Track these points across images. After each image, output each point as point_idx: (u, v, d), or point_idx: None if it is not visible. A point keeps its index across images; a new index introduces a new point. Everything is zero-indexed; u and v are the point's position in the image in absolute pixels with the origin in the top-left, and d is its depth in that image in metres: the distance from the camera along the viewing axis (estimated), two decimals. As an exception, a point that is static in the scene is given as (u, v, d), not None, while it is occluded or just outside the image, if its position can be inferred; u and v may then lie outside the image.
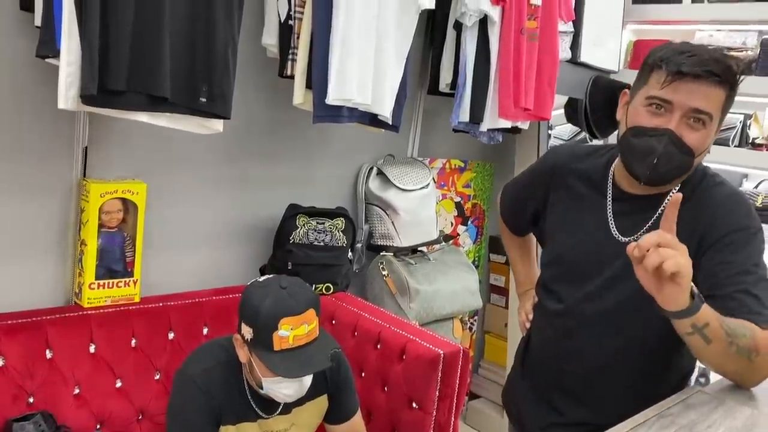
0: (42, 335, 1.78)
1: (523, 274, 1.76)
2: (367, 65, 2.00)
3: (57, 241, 1.91)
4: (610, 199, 1.37)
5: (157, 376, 1.98)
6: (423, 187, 2.59)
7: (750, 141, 2.89)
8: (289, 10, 1.97)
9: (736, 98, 3.44)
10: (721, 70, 1.18)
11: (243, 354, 1.53)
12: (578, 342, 1.39)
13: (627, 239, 1.31)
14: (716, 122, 1.24)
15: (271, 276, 1.59)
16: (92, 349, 1.86)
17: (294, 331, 1.44)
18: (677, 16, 3.12)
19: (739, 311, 1.13)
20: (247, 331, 1.48)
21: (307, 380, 1.53)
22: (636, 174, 1.27)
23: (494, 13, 2.28)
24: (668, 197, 1.30)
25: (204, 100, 1.68)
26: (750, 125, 2.92)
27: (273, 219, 2.28)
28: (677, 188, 1.31)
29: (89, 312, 1.88)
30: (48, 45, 1.50)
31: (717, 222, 1.24)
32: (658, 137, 1.21)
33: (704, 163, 1.35)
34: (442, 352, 1.93)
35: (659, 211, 1.30)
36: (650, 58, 1.27)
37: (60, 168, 1.87)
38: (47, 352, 1.78)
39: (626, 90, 1.34)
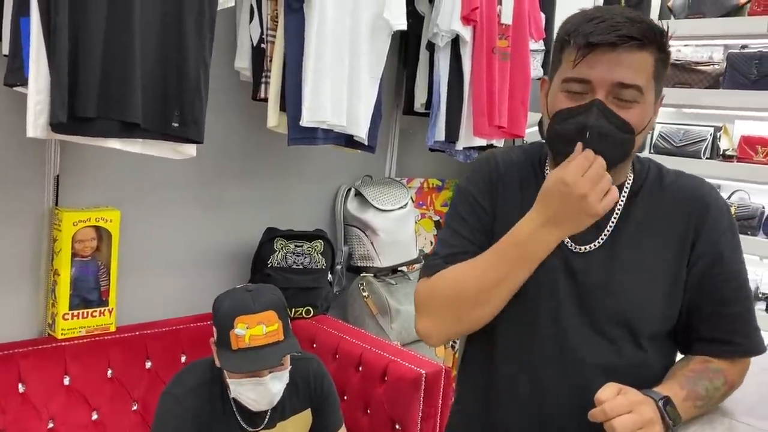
0: (14, 368, 1.73)
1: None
2: (341, 87, 2.00)
3: (29, 271, 1.87)
4: None
5: (135, 407, 1.93)
6: (401, 207, 2.59)
7: (721, 153, 2.95)
8: (261, 33, 1.97)
9: (706, 111, 3.49)
10: (640, 32, 0.98)
11: (217, 358, 1.56)
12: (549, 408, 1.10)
13: (583, 248, 1.08)
14: (651, 93, 1.03)
15: (245, 284, 1.66)
16: (66, 381, 1.82)
17: (250, 330, 1.47)
18: (645, 33, 3.18)
19: (734, 340, 1.09)
20: (214, 332, 1.55)
21: (274, 385, 1.53)
22: None
23: (466, 33, 2.31)
24: (624, 191, 1.09)
25: (176, 125, 1.67)
26: (720, 137, 2.98)
27: (251, 243, 2.26)
28: (630, 178, 1.10)
29: (63, 343, 1.84)
30: (16, 73, 1.48)
31: (707, 224, 1.08)
32: (585, 112, 0.99)
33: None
34: (424, 371, 1.92)
35: (615, 213, 1.08)
36: (559, 33, 1.07)
37: (31, 197, 1.84)
38: (20, 385, 1.74)
39: (545, 77, 1.13)
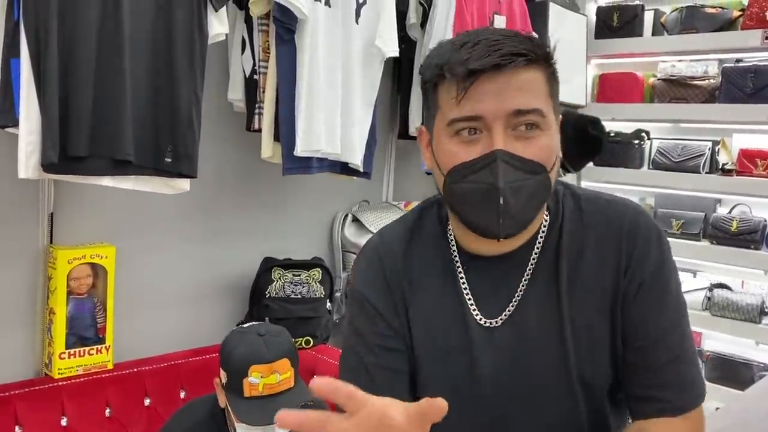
0: (10, 411, 1.71)
1: None
2: (335, 116, 2.00)
3: (25, 310, 1.85)
4: (460, 268, 0.99)
5: (134, 446, 1.91)
6: (399, 232, 2.57)
7: (720, 167, 2.93)
8: (254, 65, 1.97)
9: (703, 126, 3.47)
10: (524, 47, 0.85)
11: (221, 398, 1.53)
12: None
13: (492, 322, 0.96)
14: (551, 114, 0.90)
15: (254, 323, 1.61)
16: (64, 422, 1.79)
17: (264, 379, 1.45)
18: (639, 49, 3.19)
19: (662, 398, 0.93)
20: (223, 375, 1.51)
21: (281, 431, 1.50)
22: (487, 232, 0.89)
23: (458, 56, 2.31)
24: (536, 245, 0.96)
25: (169, 160, 1.66)
26: (719, 151, 2.96)
27: (248, 274, 2.24)
28: (546, 221, 0.97)
29: (60, 383, 1.82)
30: (7, 114, 1.48)
31: (634, 261, 0.94)
32: (488, 167, 0.85)
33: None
34: (426, 401, 1.89)
35: (528, 270, 0.95)
36: (426, 72, 0.92)
37: (26, 235, 1.83)
38: (16, 428, 1.71)
39: (421, 127, 0.98)
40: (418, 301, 0.99)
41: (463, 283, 0.98)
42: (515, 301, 0.95)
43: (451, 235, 1.00)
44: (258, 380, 1.46)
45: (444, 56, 0.88)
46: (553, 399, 0.96)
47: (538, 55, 0.87)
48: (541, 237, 0.96)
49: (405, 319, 0.99)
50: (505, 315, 0.95)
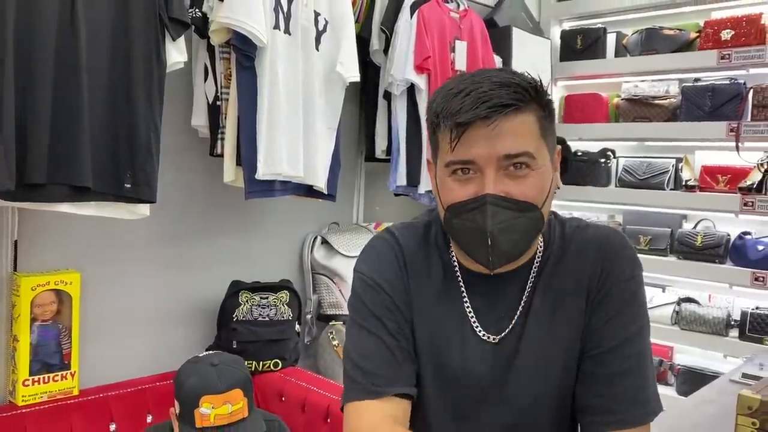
0: (-28, 439, 1.71)
1: None
2: (296, 139, 2.04)
3: (-12, 338, 1.86)
4: (461, 283, 1.06)
5: (99, 472, 1.90)
6: (368, 253, 2.60)
7: (684, 183, 2.99)
8: (216, 91, 2.02)
9: (667, 144, 3.54)
10: (512, 96, 0.92)
11: (176, 428, 1.54)
12: None
13: (492, 338, 1.03)
14: (544, 152, 0.97)
15: (209, 352, 1.63)
16: (27, 449, 1.79)
17: (215, 410, 1.47)
18: (603, 70, 3.28)
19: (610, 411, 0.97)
20: (177, 406, 1.53)
21: None
22: (481, 263, 0.99)
23: (420, 81, 2.37)
24: (533, 268, 1.04)
25: (129, 185, 1.69)
26: (682, 168, 3.03)
27: (216, 298, 2.26)
28: (540, 250, 1.05)
29: (24, 411, 1.82)
30: (-36, 143, 1.51)
31: (603, 273, 1.01)
32: (478, 210, 0.94)
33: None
34: (390, 420, 1.90)
35: (527, 292, 1.03)
36: (427, 116, 1.01)
37: (-11, 263, 1.85)
38: (-22, 457, 1.71)
39: (428, 159, 1.07)
40: (421, 303, 1.06)
41: (464, 297, 1.05)
42: (514, 319, 1.03)
43: (452, 251, 1.07)
44: (209, 411, 1.47)
45: (440, 104, 0.96)
46: (544, 410, 1.02)
47: (527, 101, 0.93)
48: (538, 260, 1.04)
49: (410, 314, 1.06)
50: (504, 332, 1.03)
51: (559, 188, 1.02)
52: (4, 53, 1.46)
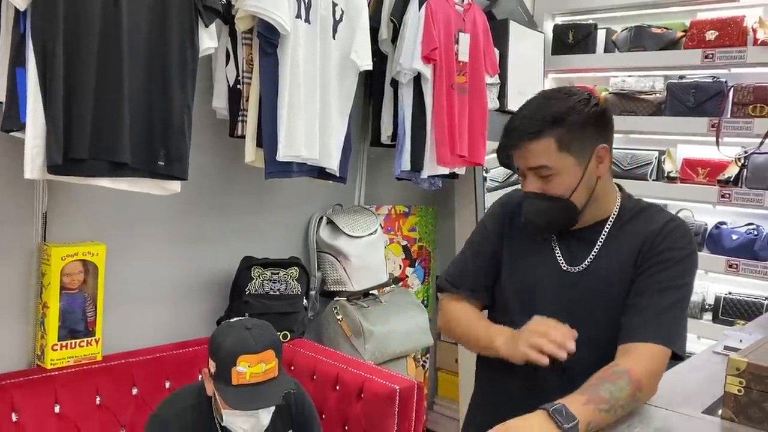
0: (7, 398, 1.81)
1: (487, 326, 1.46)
2: (314, 123, 2.15)
3: (18, 304, 1.96)
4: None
5: (123, 432, 2.02)
6: (371, 233, 2.73)
7: (666, 175, 3.17)
8: (237, 75, 2.12)
9: (650, 137, 3.68)
10: (533, 127, 1.29)
11: (209, 387, 1.65)
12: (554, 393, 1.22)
13: (574, 269, 1.38)
14: (567, 160, 1.31)
15: (242, 318, 1.73)
16: (57, 409, 1.90)
17: (251, 368, 1.57)
18: (592, 65, 3.43)
19: (634, 328, 1.27)
20: (212, 365, 1.62)
21: (264, 417, 1.63)
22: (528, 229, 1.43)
23: (426, 70, 2.49)
24: (607, 225, 1.39)
25: (162, 163, 1.79)
26: (664, 160, 3.20)
27: (229, 272, 2.37)
28: (615, 212, 1.39)
29: (53, 373, 1.92)
30: (13, 120, 1.59)
31: (656, 241, 1.31)
32: (526, 200, 1.38)
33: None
34: (397, 387, 2.05)
35: (601, 239, 1.38)
36: None
37: (20, 233, 1.94)
38: (13, 414, 1.81)
39: None
40: (514, 244, 1.47)
41: (554, 242, 1.41)
42: (590, 258, 1.37)
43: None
44: (246, 369, 1.57)
45: (505, 126, 1.38)
46: (603, 322, 1.33)
47: (545, 129, 1.29)
48: (610, 222, 1.39)
49: (501, 245, 1.48)
50: (582, 266, 1.37)
51: (601, 179, 1.35)
52: (55, 40, 1.54)
